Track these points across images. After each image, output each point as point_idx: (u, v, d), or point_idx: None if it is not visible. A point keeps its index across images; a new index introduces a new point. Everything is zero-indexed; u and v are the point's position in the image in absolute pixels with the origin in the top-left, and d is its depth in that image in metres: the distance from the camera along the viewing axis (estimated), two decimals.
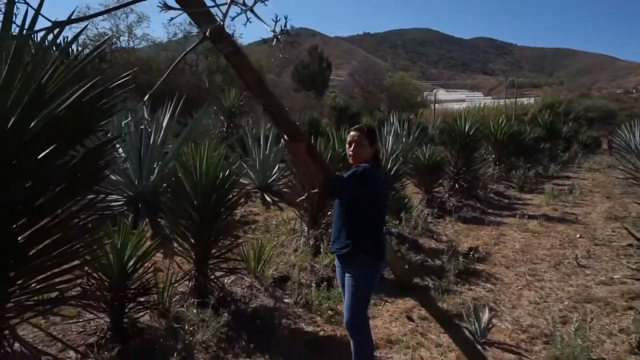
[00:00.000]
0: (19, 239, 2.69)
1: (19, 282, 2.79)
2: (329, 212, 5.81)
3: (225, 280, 4.48)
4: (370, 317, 4.22)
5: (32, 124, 2.48)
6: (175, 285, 3.98)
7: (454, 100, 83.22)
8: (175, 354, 3.16)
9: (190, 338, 3.43)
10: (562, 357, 3.41)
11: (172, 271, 3.98)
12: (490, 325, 3.81)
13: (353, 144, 3.01)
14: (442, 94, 74.84)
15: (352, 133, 3.06)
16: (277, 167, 9.58)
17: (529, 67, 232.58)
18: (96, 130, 2.72)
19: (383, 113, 38.00)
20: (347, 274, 2.97)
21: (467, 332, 3.85)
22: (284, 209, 8.26)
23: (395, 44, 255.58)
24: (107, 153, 2.84)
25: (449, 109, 50.22)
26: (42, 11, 2.14)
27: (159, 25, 77.40)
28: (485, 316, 3.81)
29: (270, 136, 9.66)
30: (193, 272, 4.16)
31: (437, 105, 45.65)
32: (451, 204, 9.12)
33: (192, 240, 4.09)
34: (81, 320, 3.56)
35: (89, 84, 2.49)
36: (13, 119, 2.41)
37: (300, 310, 4.28)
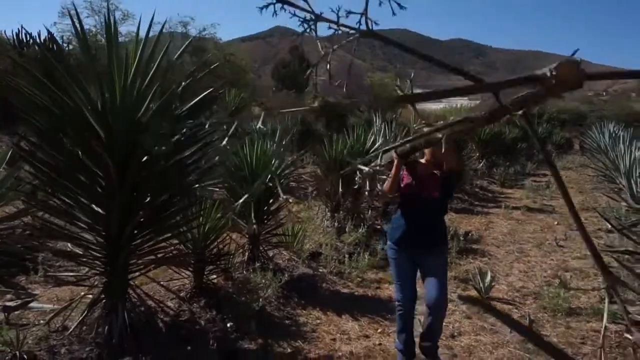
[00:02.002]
0: (141, 210, 3.52)
1: (139, 241, 3.61)
2: (347, 200, 6.75)
3: (270, 253, 5.35)
4: (393, 282, 5.19)
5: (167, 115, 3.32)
6: (236, 255, 4.84)
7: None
8: (255, 304, 4.04)
9: (261, 294, 4.29)
10: (549, 307, 4.41)
11: (233, 244, 4.85)
12: (491, 285, 4.78)
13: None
14: None
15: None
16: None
17: (504, 69, 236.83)
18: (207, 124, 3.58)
19: (363, 113, 38.98)
20: (430, 263, 3.30)
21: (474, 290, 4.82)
22: (291, 202, 9.14)
23: (373, 44, 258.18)
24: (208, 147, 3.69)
25: (427, 109, 51.47)
26: None
27: (144, 23, 76.43)
28: (488, 278, 4.78)
29: (277, 133, 10.49)
30: (248, 245, 5.03)
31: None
32: None
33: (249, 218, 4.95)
34: (164, 280, 4.39)
35: (209, 90, 3.37)
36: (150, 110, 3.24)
37: (334, 277, 5.20)
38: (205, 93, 3.41)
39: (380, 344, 3.75)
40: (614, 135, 12.21)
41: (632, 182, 7.80)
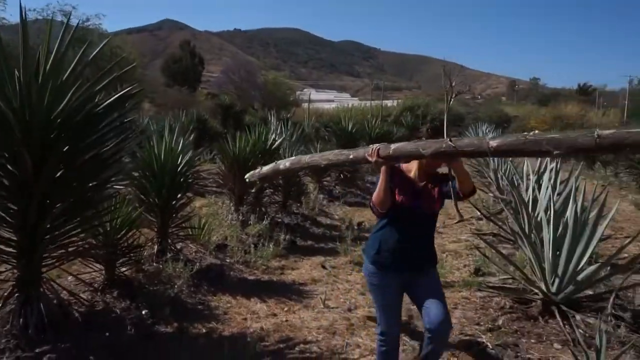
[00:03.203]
0: (58, 204, 3.63)
1: (54, 235, 3.70)
2: (250, 195, 7.11)
3: (178, 246, 5.55)
4: (295, 268, 5.68)
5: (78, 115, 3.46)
6: (146, 248, 5.00)
7: (324, 100, 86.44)
8: (168, 292, 4.28)
9: (175, 281, 4.52)
10: None
11: (143, 238, 5.00)
12: None
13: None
14: (312, 94, 77.54)
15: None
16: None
17: (391, 71, 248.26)
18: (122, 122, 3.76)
19: (257, 111, 39.15)
20: (425, 282, 2.82)
21: None
22: (193, 199, 9.28)
23: (267, 42, 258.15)
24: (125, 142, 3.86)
25: (320, 108, 52.84)
26: None
27: (16, 8, 69.31)
28: None
29: (177, 128, 10.50)
30: (157, 238, 5.20)
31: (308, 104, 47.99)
32: (337, 192, 10.86)
33: (159, 212, 5.13)
34: (74, 274, 4.45)
35: (128, 89, 3.57)
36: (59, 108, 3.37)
37: (241, 266, 5.56)
38: (125, 91, 3.61)
39: (287, 320, 4.18)
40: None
41: (499, 176, 9.04)
